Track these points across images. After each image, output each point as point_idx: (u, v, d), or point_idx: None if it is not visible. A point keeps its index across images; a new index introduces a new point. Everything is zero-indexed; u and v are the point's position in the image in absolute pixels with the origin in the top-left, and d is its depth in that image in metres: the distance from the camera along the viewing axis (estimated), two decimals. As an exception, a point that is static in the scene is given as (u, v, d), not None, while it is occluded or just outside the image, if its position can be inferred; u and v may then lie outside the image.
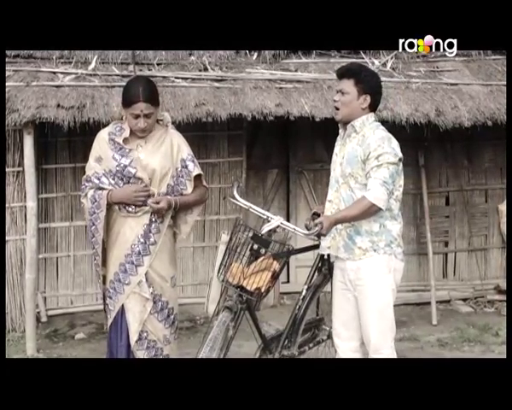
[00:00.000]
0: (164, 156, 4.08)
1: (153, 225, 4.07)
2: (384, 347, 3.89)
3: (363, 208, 3.75)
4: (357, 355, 4.02)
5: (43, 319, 6.43)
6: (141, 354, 4.06)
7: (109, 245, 4.13)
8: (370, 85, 3.90)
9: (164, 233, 4.11)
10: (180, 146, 4.16)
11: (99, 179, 4.07)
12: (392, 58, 6.76)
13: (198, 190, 4.22)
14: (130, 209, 4.06)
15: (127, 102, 4.03)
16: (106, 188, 4.05)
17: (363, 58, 6.70)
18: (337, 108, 3.92)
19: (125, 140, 4.06)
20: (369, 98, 3.88)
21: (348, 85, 3.87)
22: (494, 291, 7.16)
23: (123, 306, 4.07)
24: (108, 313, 4.15)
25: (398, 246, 3.91)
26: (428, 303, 6.73)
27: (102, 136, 4.13)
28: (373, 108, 3.94)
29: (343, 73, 3.93)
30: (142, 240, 4.05)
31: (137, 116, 3.99)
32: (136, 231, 4.06)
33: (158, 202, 4.00)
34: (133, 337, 4.06)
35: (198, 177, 4.20)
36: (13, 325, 6.26)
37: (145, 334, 4.08)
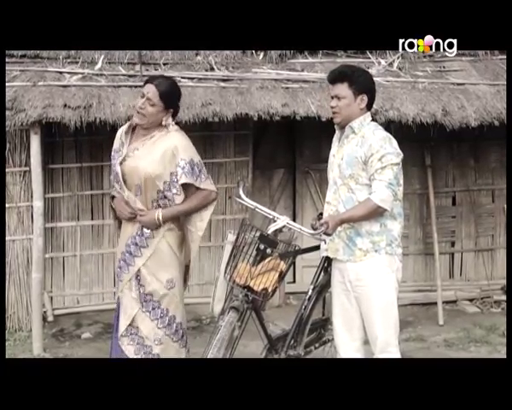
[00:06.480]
0: (155, 160, 3.98)
1: (144, 230, 4.07)
2: (391, 345, 3.90)
3: (369, 210, 3.75)
4: (359, 355, 4.02)
5: (50, 318, 6.43)
6: (131, 348, 4.11)
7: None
8: (364, 84, 3.90)
9: (159, 240, 4.07)
10: (178, 150, 4.00)
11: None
12: (398, 58, 6.74)
13: (197, 195, 4.09)
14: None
15: (144, 84, 4.14)
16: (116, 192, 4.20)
17: (369, 58, 6.71)
18: (335, 112, 3.91)
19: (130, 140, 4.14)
20: (365, 97, 3.88)
21: (343, 89, 3.86)
22: (501, 291, 7.13)
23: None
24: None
25: (398, 246, 3.90)
26: (435, 303, 6.72)
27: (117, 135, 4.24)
28: (370, 106, 3.94)
29: (335, 78, 3.90)
30: (134, 241, 4.09)
31: (142, 97, 4.05)
32: (132, 230, 4.11)
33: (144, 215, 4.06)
34: (120, 330, 4.13)
35: (192, 184, 4.06)
36: (19, 324, 6.27)
37: (135, 330, 4.12)
